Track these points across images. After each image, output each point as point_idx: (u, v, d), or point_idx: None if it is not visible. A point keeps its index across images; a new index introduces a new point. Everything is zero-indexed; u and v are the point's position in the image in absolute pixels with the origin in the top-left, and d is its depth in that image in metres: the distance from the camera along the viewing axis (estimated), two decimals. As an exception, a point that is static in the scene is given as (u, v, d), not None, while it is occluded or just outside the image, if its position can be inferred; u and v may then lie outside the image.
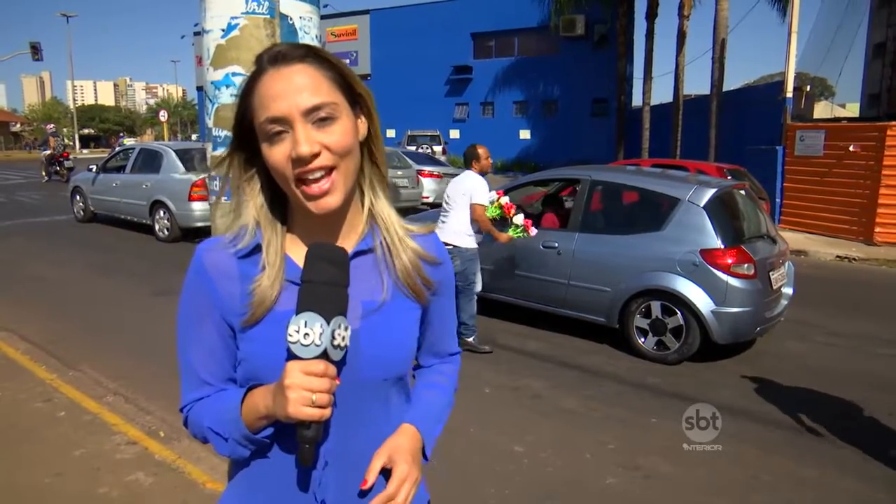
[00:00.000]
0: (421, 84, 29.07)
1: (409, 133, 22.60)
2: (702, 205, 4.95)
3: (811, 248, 10.06)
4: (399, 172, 12.38)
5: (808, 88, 18.60)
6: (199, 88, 32.27)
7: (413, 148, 19.62)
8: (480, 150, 5.22)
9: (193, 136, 61.00)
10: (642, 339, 5.11)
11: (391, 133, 27.36)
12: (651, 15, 19.05)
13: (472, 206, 5.02)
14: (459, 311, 5.01)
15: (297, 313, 0.87)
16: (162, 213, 10.06)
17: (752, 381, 4.68)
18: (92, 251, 9.44)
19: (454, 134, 28.89)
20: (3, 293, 6.87)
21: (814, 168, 11.41)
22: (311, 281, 0.89)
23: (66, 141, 38.94)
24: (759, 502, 3.16)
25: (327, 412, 0.89)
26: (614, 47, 22.53)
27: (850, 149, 10.71)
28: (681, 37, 18.08)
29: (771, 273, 5.04)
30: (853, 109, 32.11)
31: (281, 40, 1.65)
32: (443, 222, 5.13)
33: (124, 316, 6.14)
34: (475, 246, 5.11)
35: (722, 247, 4.80)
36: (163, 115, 36.54)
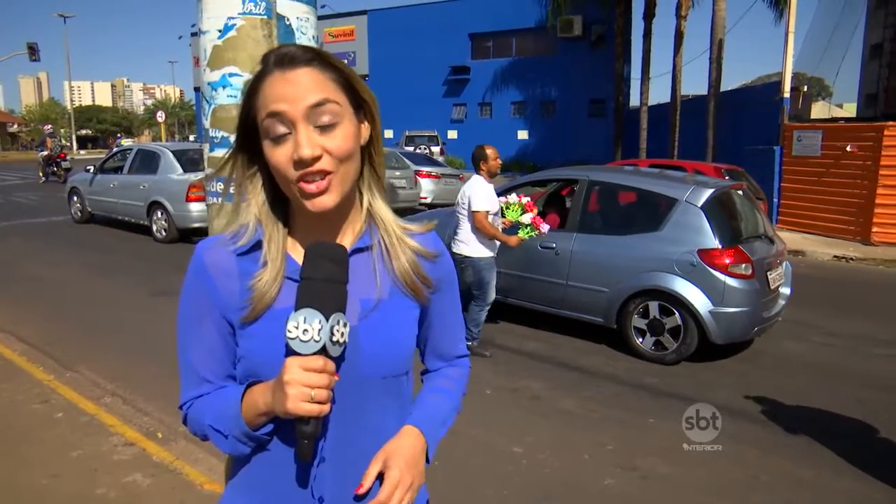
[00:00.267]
0: (419, 84, 29.09)
1: (406, 133, 22.60)
2: (699, 205, 4.95)
3: (808, 248, 10.08)
4: (397, 173, 12.37)
5: (806, 89, 18.64)
6: (197, 89, 32.20)
7: (411, 148, 19.61)
8: (488, 151, 5.01)
9: (191, 137, 60.96)
10: (640, 340, 5.12)
11: (389, 133, 27.36)
12: (648, 15, 19.09)
13: (472, 215, 4.84)
14: (467, 319, 5.01)
15: (296, 309, 0.88)
16: (159, 213, 10.05)
17: (749, 382, 4.69)
18: (89, 252, 9.42)
19: (452, 134, 28.93)
20: (1, 294, 6.86)
21: (811, 168, 11.43)
22: (310, 277, 0.89)
23: (64, 142, 38.85)
24: (758, 502, 3.16)
25: (326, 408, 0.89)
26: (612, 48, 22.55)
27: (848, 149, 10.73)
28: (678, 37, 18.12)
29: (768, 273, 5.05)
30: (850, 110, 32.17)
31: (278, 41, 1.65)
32: (455, 234, 4.99)
33: (122, 317, 6.12)
34: (489, 254, 4.92)
35: (719, 247, 4.81)
36: (160, 116, 36.55)
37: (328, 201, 0.93)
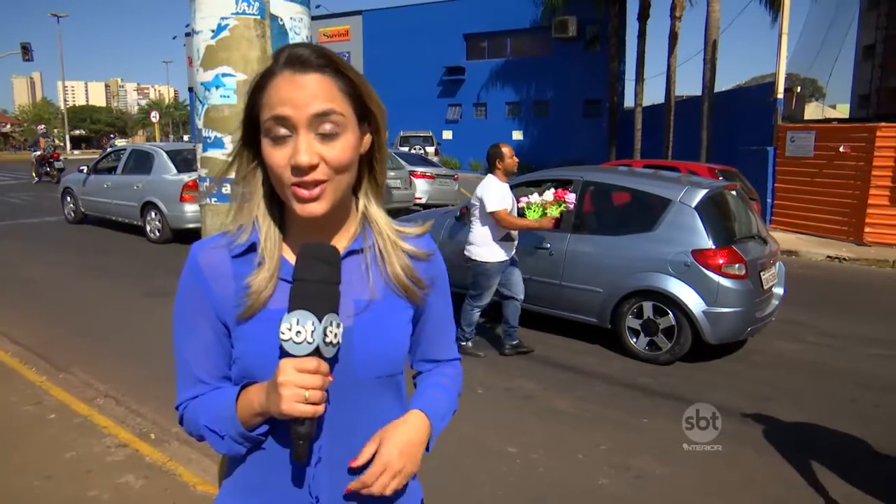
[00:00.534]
0: (413, 85, 29.09)
1: (401, 134, 22.61)
2: (693, 205, 4.97)
3: (802, 248, 10.13)
4: (392, 173, 12.35)
5: (799, 89, 18.69)
6: (191, 89, 32.12)
7: (406, 149, 19.65)
8: (504, 149, 4.87)
9: (185, 137, 60.78)
10: (634, 340, 5.13)
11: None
12: (643, 16, 19.16)
13: (492, 215, 4.73)
14: (461, 319, 5.01)
15: (290, 311, 0.88)
16: (153, 214, 10.00)
17: (743, 381, 4.71)
18: (83, 252, 9.38)
19: (447, 135, 28.93)
20: (-7, 295, 6.82)
21: (804, 169, 11.49)
22: (303, 279, 0.90)
23: (57, 142, 38.65)
24: (751, 502, 3.17)
25: (320, 408, 0.90)
26: (606, 48, 22.64)
27: (841, 150, 10.80)
28: (673, 38, 18.18)
29: (762, 273, 5.07)
30: (843, 110, 32.32)
31: (271, 41, 1.65)
32: (467, 238, 4.95)
33: (115, 317, 6.10)
34: (497, 259, 4.84)
35: (713, 247, 4.83)
36: (154, 116, 36.39)
37: (318, 209, 0.93)
